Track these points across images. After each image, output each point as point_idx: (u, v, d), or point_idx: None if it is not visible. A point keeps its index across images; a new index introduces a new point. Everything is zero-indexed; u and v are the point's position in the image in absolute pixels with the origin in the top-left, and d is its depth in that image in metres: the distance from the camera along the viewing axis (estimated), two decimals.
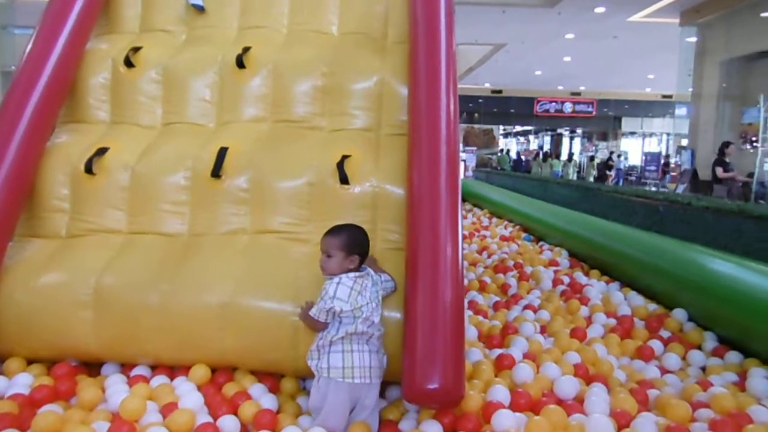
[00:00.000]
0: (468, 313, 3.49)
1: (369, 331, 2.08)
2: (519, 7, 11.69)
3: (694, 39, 12.20)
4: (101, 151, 2.81)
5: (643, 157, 21.37)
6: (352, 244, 2.13)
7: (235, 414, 2.16)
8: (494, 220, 7.74)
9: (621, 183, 18.88)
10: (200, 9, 3.35)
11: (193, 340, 2.39)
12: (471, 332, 3.07)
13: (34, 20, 3.04)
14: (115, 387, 2.28)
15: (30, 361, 2.49)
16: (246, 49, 3.10)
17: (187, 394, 2.23)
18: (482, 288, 4.13)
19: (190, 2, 3.34)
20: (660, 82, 20.13)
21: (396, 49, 3.18)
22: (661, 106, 23.47)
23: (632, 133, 28.26)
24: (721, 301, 3.13)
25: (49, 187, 2.77)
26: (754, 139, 11.29)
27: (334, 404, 2.04)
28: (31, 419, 2.02)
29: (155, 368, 2.48)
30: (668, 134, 24.17)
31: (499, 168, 20.76)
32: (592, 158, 21.81)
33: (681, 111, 14.19)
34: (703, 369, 2.84)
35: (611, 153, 22.74)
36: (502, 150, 27.03)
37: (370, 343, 2.09)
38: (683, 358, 2.93)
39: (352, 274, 2.10)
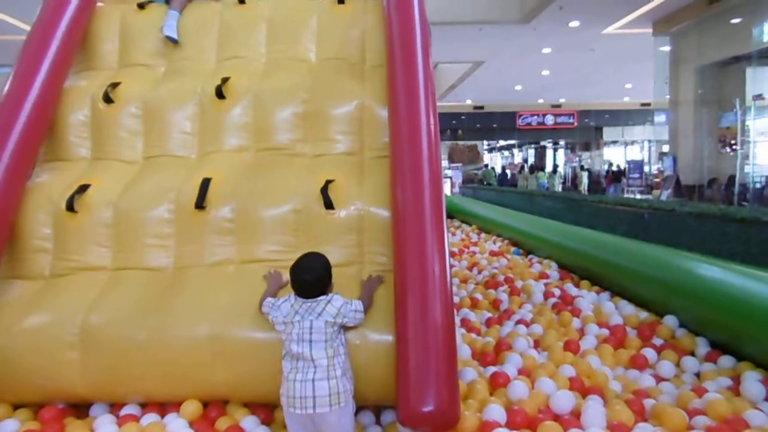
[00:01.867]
0: (461, 331, 3.48)
1: (304, 354, 2.02)
2: (495, 24, 11.88)
3: (667, 48, 12.46)
4: (83, 188, 2.78)
5: (627, 165, 21.62)
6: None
7: None
8: (483, 235, 7.76)
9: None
10: (173, 41, 3.37)
11: (183, 375, 2.35)
12: (464, 351, 3.05)
13: (12, 59, 3.04)
14: (105, 428, 2.23)
15: (16, 406, 2.44)
16: (225, 80, 3.11)
17: (179, 431, 2.19)
18: (474, 305, 4.12)
19: (164, 34, 3.36)
20: (638, 90, 20.46)
21: (374, 73, 3.21)
22: (641, 114, 23.83)
23: (614, 142, 28.63)
24: (710, 305, 3.15)
25: (30, 227, 2.74)
26: (732, 142, 11.48)
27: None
28: None
29: (145, 406, 2.43)
30: (649, 141, 24.51)
31: (485, 183, 20.87)
32: (583, 167, 21.99)
33: (660, 118, 14.42)
34: (698, 375, 2.85)
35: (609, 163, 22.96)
36: (486, 165, 27.21)
37: (318, 371, 2.00)
38: (677, 365, 2.93)
39: (295, 296, 2.12)
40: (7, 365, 2.35)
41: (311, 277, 2.10)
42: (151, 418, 2.33)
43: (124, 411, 2.39)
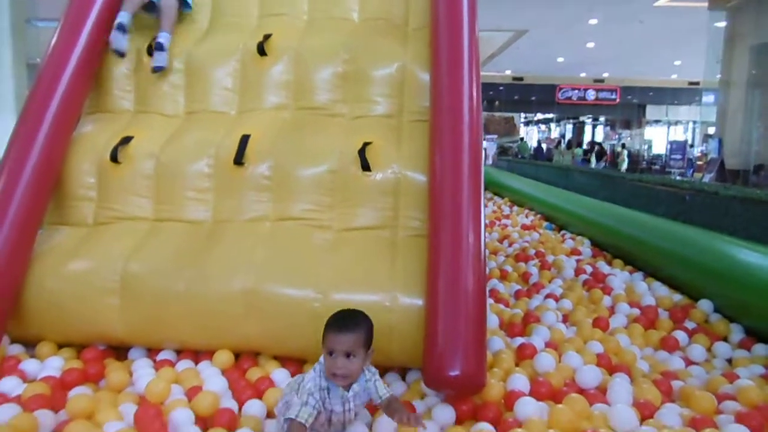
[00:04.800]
0: (489, 301, 3.48)
1: None
2: None
3: (723, 23, 11.86)
4: (126, 140, 2.85)
5: (668, 146, 20.97)
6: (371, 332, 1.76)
7: (260, 398, 2.19)
8: (515, 208, 7.68)
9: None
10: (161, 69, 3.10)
11: (217, 326, 2.42)
12: (492, 321, 3.05)
13: (58, 13, 3.08)
14: (142, 371, 2.32)
15: (61, 345, 2.56)
16: (267, 37, 3.10)
17: (212, 378, 2.27)
18: (503, 277, 4.10)
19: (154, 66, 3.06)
20: (687, 68, 19.65)
21: (417, 35, 3.15)
22: (688, 94, 22.92)
23: (657, 122, 27.70)
24: (748, 291, 3.06)
25: (75, 176, 2.82)
26: None
27: None
28: (62, 400, 2.07)
29: (180, 353, 2.52)
30: (695, 122, 23.65)
31: (519, 156, 20.56)
32: (558, 144, 21.66)
33: (709, 98, 13.88)
34: (729, 361, 2.79)
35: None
36: (522, 138, 26.73)
37: None
38: (708, 350, 2.88)
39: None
40: (52, 306, 2.47)
41: None
42: (185, 364, 2.41)
43: (161, 356, 2.48)
